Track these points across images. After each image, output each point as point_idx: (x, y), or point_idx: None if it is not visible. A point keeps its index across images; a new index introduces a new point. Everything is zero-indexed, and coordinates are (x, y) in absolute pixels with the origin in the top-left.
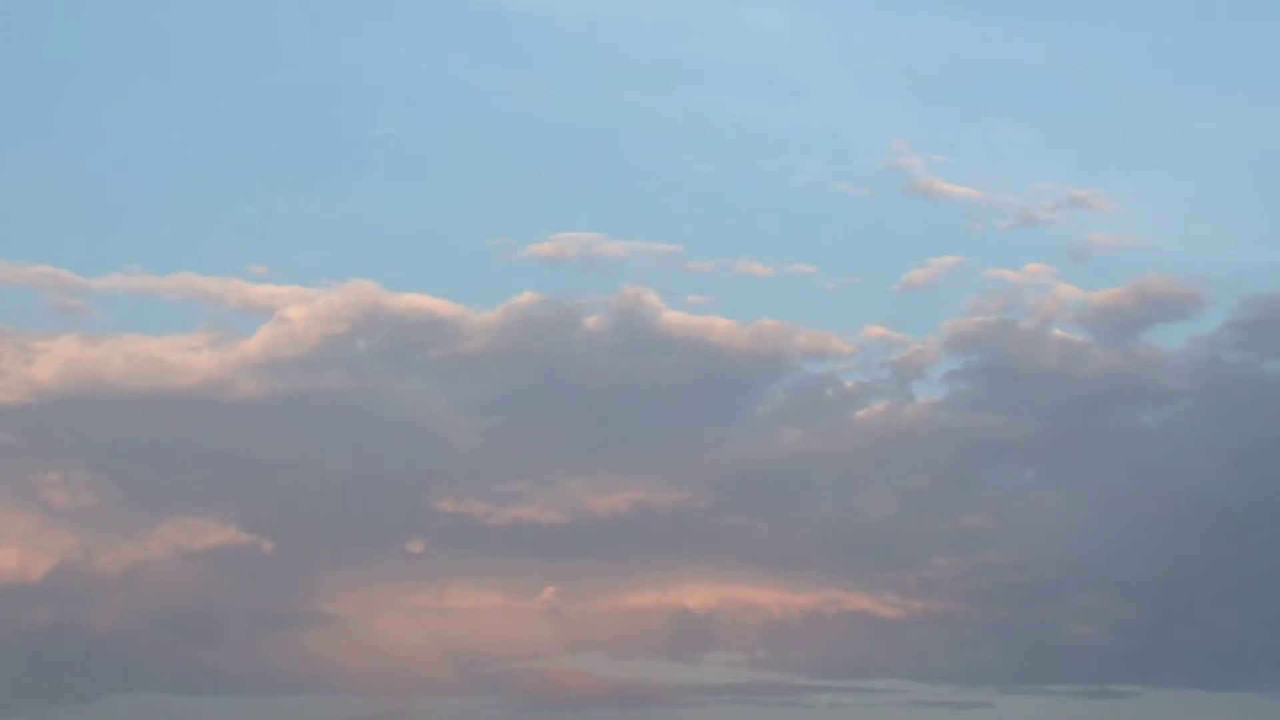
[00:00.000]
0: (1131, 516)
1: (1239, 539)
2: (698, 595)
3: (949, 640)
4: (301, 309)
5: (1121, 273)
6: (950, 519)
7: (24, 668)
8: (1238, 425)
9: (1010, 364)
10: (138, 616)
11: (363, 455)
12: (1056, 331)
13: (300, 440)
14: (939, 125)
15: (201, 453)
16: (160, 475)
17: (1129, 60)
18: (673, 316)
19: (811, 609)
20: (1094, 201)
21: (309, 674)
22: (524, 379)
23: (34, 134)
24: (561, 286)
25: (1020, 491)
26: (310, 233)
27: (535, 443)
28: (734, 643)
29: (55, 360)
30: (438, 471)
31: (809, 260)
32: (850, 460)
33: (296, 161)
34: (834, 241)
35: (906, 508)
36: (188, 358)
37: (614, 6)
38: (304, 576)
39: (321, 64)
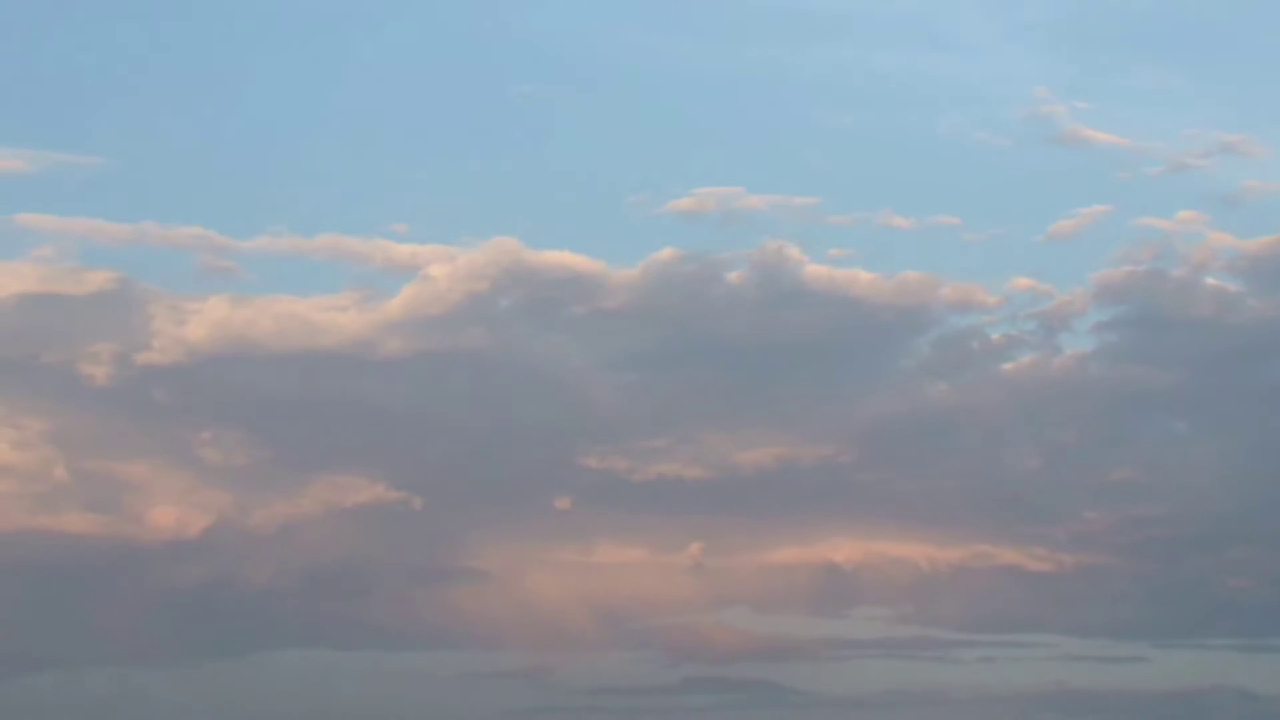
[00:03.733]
0: None
1: None
2: (843, 550)
3: (1101, 594)
4: (444, 267)
5: (1276, 219)
6: (1100, 472)
7: (181, 622)
8: None
9: (1161, 314)
10: (290, 573)
11: (506, 412)
12: (1209, 280)
13: (445, 398)
14: (1083, 72)
15: (349, 411)
16: (309, 433)
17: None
18: (814, 270)
19: (959, 563)
20: (1246, 147)
21: (458, 629)
22: (665, 335)
23: (183, 100)
24: (702, 241)
25: (1172, 443)
26: (452, 190)
27: (677, 398)
28: (881, 597)
29: (206, 321)
30: (581, 428)
31: (952, 211)
32: (997, 413)
33: (438, 120)
34: (977, 192)
35: (1055, 461)
36: (334, 317)
37: None
38: (452, 533)
39: (463, 23)
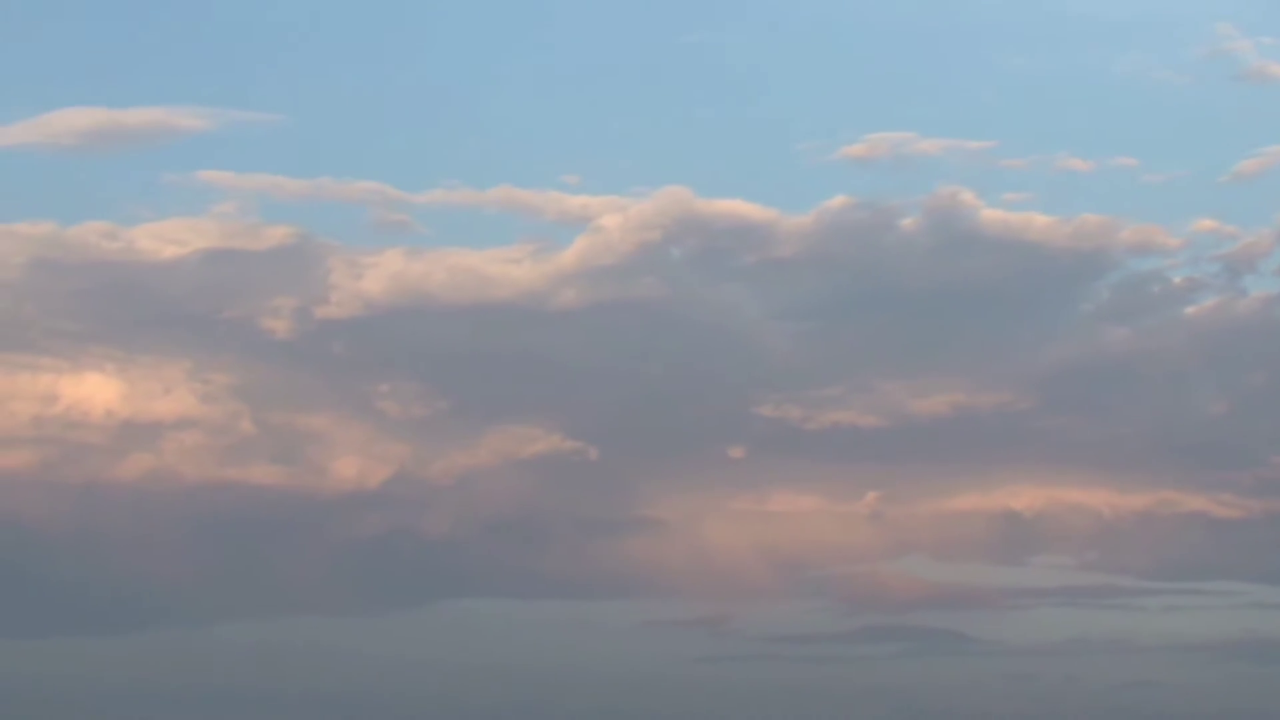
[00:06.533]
0: None
1: None
2: (1023, 498)
3: None
4: (615, 218)
5: None
6: None
7: (363, 572)
8: None
9: None
10: (469, 523)
11: (679, 362)
12: None
13: (618, 348)
14: (1269, 6)
15: (524, 362)
16: (485, 385)
17: None
18: (989, 215)
19: (1142, 510)
20: None
21: (635, 578)
22: (838, 283)
23: (357, 57)
24: (874, 188)
25: None
26: (623, 141)
27: (851, 346)
28: (1062, 545)
29: (382, 274)
30: (754, 377)
31: (1131, 153)
32: (1180, 358)
33: (608, 70)
34: (1157, 133)
35: (1241, 405)
36: (507, 269)
37: None
38: (628, 482)
39: None
